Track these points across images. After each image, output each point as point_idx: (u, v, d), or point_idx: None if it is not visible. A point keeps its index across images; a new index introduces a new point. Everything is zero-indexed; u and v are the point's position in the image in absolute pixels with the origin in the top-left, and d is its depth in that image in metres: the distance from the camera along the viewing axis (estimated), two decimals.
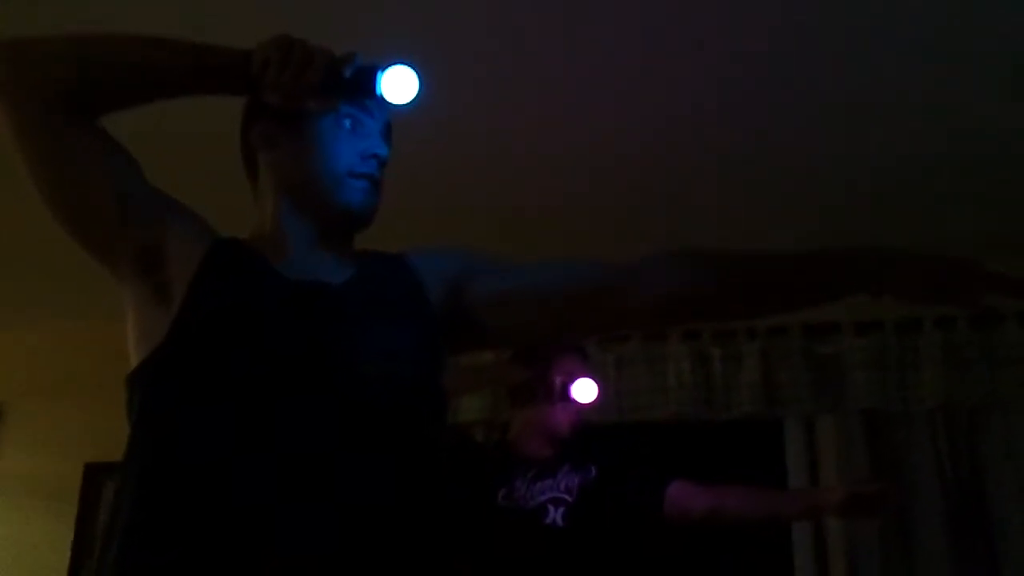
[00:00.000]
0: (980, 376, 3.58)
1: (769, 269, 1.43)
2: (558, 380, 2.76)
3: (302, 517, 1.23)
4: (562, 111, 2.98)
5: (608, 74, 2.80)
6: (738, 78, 2.81)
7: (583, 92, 2.88)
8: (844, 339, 3.75)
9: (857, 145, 3.13)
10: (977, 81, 2.78)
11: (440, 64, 2.44)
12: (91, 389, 3.16)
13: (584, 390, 2.77)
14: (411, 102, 1.45)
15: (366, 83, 1.41)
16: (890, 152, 3.15)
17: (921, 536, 3.47)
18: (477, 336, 1.56)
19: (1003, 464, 3.51)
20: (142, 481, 1.28)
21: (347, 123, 1.48)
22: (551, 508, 2.65)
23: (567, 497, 2.66)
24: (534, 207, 3.52)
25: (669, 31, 2.62)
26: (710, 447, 3.87)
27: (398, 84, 1.42)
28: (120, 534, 1.26)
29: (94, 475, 4.19)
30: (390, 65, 1.42)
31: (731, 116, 3.00)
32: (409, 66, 1.43)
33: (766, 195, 3.43)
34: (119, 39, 1.40)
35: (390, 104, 1.46)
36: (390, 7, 2.50)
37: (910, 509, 3.47)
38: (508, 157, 3.23)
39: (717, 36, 2.63)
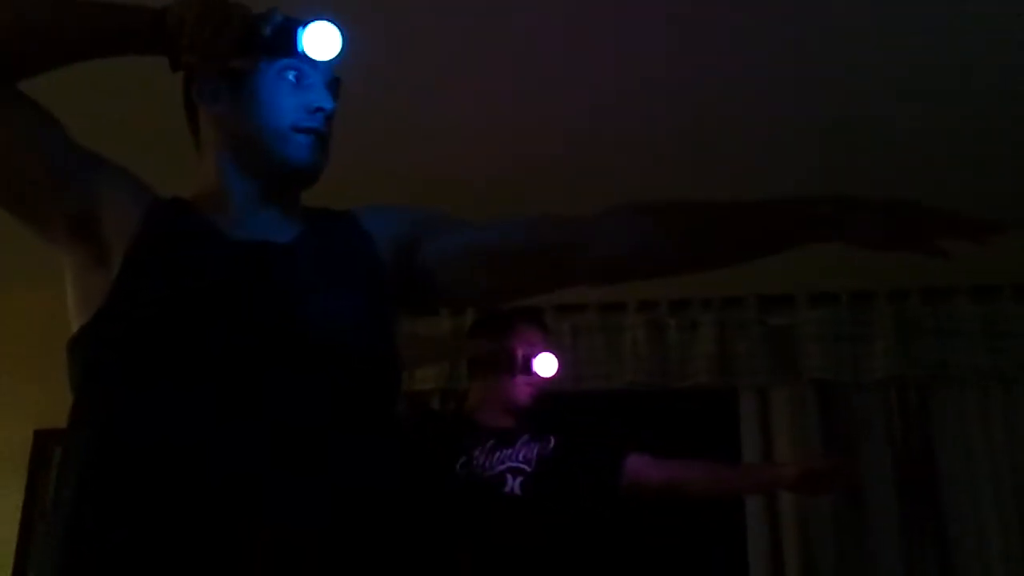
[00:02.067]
0: (931, 349, 3.63)
1: (726, 219, 1.41)
2: (520, 353, 2.76)
3: (288, 488, 1.22)
4: (509, 71, 2.95)
5: (555, 25, 2.76)
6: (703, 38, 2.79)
7: (529, 47, 2.84)
8: (798, 311, 3.79)
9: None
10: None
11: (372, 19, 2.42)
12: (39, 355, 3.09)
13: (545, 364, 2.77)
14: (335, 58, 1.42)
15: (287, 40, 1.37)
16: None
17: (872, 505, 3.53)
18: (429, 295, 1.53)
19: (953, 435, 3.58)
20: (94, 454, 1.24)
21: (291, 76, 1.42)
22: (509, 477, 2.65)
23: (525, 467, 2.67)
24: (476, 170, 3.46)
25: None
26: (665, 416, 3.89)
27: (320, 40, 1.39)
28: (70, 509, 1.23)
29: (44, 442, 4.13)
30: (311, 21, 1.39)
31: (692, 67, 2.97)
32: (331, 21, 1.39)
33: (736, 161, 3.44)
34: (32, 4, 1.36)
35: (312, 60, 1.42)
36: None
37: (862, 479, 3.51)
38: (449, 119, 3.18)
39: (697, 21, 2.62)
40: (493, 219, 1.52)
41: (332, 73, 1.49)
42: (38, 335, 3.42)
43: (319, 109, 1.43)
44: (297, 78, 1.43)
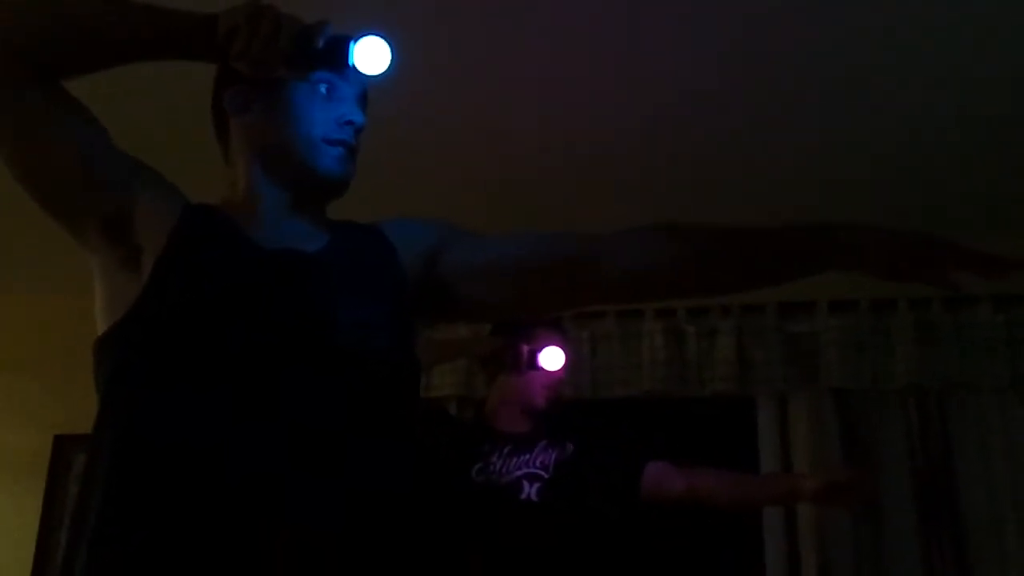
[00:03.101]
0: (952, 357, 3.61)
1: (743, 245, 1.42)
2: (524, 348, 2.76)
3: (308, 489, 1.23)
4: (542, 85, 2.96)
5: (588, 43, 2.78)
6: (726, 59, 2.80)
7: (563, 65, 2.86)
8: (818, 318, 3.78)
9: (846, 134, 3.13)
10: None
11: (415, 34, 2.42)
12: (61, 361, 3.12)
13: (551, 358, 2.76)
14: (384, 73, 1.43)
15: (338, 54, 1.38)
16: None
17: (891, 514, 3.51)
18: (449, 308, 1.55)
19: (972, 444, 3.55)
20: (120, 455, 1.25)
21: (323, 88, 1.45)
22: (526, 484, 2.64)
23: (543, 473, 2.66)
24: (513, 180, 3.49)
25: (657, 9, 2.60)
26: (683, 424, 3.88)
27: (371, 55, 1.40)
28: (96, 510, 1.23)
29: (63, 447, 4.15)
30: (363, 35, 1.40)
31: (716, 94, 2.99)
32: (382, 37, 1.40)
33: (750, 180, 3.44)
34: (78, 2, 1.36)
35: (362, 74, 1.43)
36: None
37: (880, 487, 3.50)
38: (484, 129, 3.20)
39: (706, 16, 2.62)
40: (512, 234, 1.53)
41: (363, 87, 1.51)
42: (58, 341, 3.45)
43: (349, 122, 1.46)
44: (328, 91, 1.46)
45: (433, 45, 2.69)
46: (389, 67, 1.42)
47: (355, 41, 1.39)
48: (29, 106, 1.32)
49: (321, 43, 1.35)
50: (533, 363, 2.76)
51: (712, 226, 1.43)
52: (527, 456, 2.69)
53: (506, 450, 2.70)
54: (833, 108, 3.03)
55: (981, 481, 3.50)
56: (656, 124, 3.16)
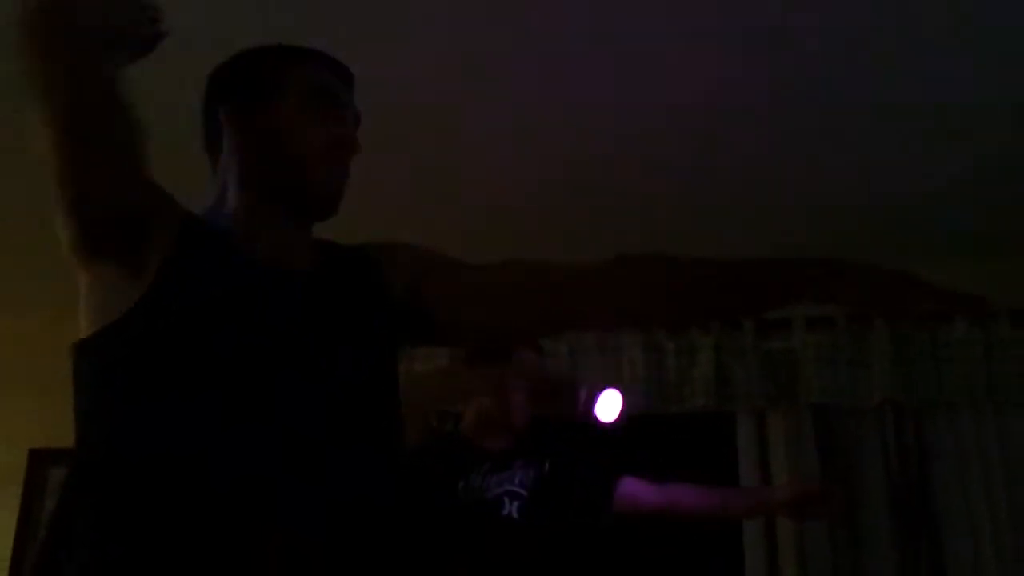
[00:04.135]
0: (928, 373, 3.65)
1: (722, 276, 1.44)
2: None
3: (296, 497, 1.24)
4: (545, 104, 2.97)
5: (594, 68, 2.79)
6: (727, 79, 2.82)
7: (565, 86, 2.87)
8: (796, 335, 3.80)
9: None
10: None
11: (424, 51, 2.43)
12: (36, 376, 3.10)
13: (609, 407, 2.76)
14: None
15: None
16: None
17: (868, 529, 3.53)
18: (429, 331, 1.56)
19: (949, 459, 3.59)
20: (109, 461, 1.24)
21: (317, 108, 1.46)
22: (507, 501, 2.64)
23: (522, 491, 2.66)
24: (512, 203, 3.50)
25: (663, 26, 2.61)
26: (662, 439, 3.89)
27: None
28: (87, 517, 1.22)
29: (39, 461, 4.12)
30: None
31: (715, 117, 3.00)
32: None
33: (744, 201, 3.46)
34: None
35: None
36: None
37: (858, 502, 3.52)
38: (490, 152, 3.21)
39: (709, 33, 2.64)
40: (502, 261, 1.55)
41: (355, 108, 1.52)
42: (34, 356, 3.43)
43: (341, 143, 1.46)
44: (324, 112, 1.46)
45: (418, 69, 2.69)
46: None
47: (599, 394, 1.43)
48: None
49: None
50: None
51: (689, 258, 1.45)
52: (507, 473, 2.69)
53: (485, 467, 2.69)
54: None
55: (958, 496, 3.53)
56: (642, 150, 3.18)
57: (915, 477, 3.57)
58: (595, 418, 2.76)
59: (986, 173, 3.25)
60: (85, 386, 1.33)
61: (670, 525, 2.90)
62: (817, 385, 3.71)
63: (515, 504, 2.64)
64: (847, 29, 2.59)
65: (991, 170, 3.22)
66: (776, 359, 3.80)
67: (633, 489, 2.75)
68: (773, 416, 3.80)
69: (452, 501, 2.62)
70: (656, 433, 3.89)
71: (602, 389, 2.78)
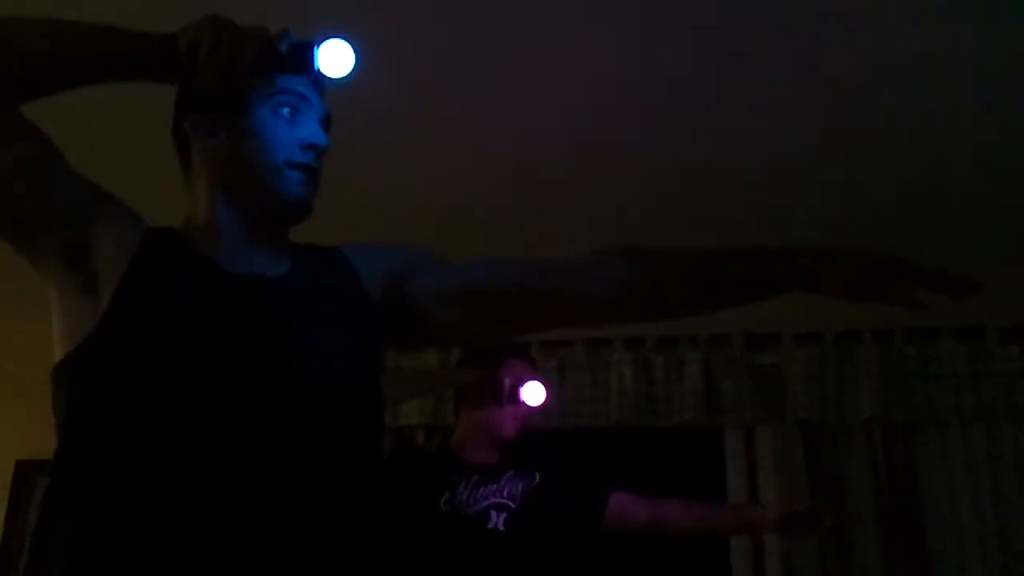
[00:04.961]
0: (917, 389, 3.65)
1: (705, 268, 1.41)
2: (507, 382, 2.76)
3: (272, 514, 1.23)
4: (516, 104, 2.96)
5: (567, 63, 2.78)
6: (708, 80, 2.82)
7: (539, 85, 2.87)
8: (784, 350, 3.80)
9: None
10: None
11: (385, 45, 2.43)
12: (23, 386, 3.08)
13: (533, 393, 2.77)
14: (347, 76, 1.42)
15: (302, 58, 1.37)
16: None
17: (857, 546, 3.52)
18: (414, 333, 1.54)
19: (937, 475, 3.58)
20: (86, 479, 1.24)
21: (285, 112, 1.44)
22: (493, 513, 2.64)
23: (510, 503, 2.66)
24: (480, 205, 3.50)
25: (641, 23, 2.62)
26: (651, 454, 3.89)
27: (335, 58, 1.40)
28: (67, 533, 1.21)
29: (26, 472, 4.10)
30: (325, 39, 1.39)
31: (697, 114, 3.00)
32: (344, 39, 1.40)
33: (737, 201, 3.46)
34: (35, 23, 1.33)
35: (326, 78, 1.42)
36: None
37: (846, 519, 3.52)
38: (455, 150, 3.20)
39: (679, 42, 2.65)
40: (478, 259, 1.53)
41: (326, 111, 1.50)
42: (20, 365, 3.41)
43: (312, 145, 1.44)
44: (291, 114, 1.44)
45: (392, 64, 2.69)
46: (352, 70, 1.42)
47: (319, 45, 1.38)
48: None
49: (285, 48, 1.34)
50: (515, 397, 2.76)
51: (672, 249, 1.43)
52: (494, 486, 2.68)
53: (473, 480, 2.69)
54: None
55: (946, 512, 3.52)
56: (623, 149, 3.18)
57: (903, 493, 3.56)
58: (522, 403, 2.76)
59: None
60: (61, 408, 1.33)
61: (658, 541, 2.89)
62: (805, 401, 3.71)
63: (502, 516, 2.63)
64: None
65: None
66: (765, 374, 3.80)
67: (622, 503, 2.75)
68: (761, 431, 3.79)
69: (435, 516, 2.61)
70: (644, 447, 3.89)
71: (525, 379, 2.78)
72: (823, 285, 1.30)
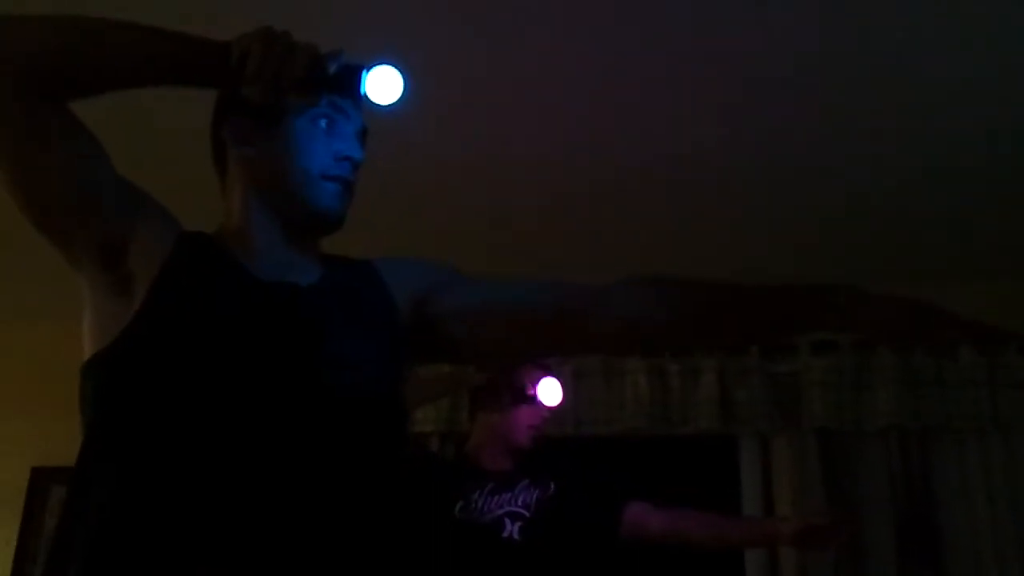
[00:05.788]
0: (933, 398, 3.63)
1: (737, 300, 1.42)
2: (523, 382, 2.75)
3: (296, 520, 1.23)
4: (552, 113, 2.96)
5: (600, 75, 2.78)
6: (741, 88, 2.82)
7: (574, 94, 2.87)
8: (800, 359, 3.78)
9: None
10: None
11: (425, 64, 2.44)
12: (38, 393, 3.10)
13: (549, 391, 2.76)
14: (394, 103, 1.43)
15: (350, 80, 1.38)
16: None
17: (873, 555, 3.50)
18: (438, 347, 1.55)
19: (954, 485, 3.57)
20: (111, 482, 1.24)
21: (323, 123, 1.45)
22: (508, 522, 2.63)
23: (525, 512, 2.65)
24: (519, 212, 3.49)
25: (674, 35, 2.63)
26: (665, 462, 3.88)
27: (382, 84, 1.40)
28: (90, 537, 1.22)
29: (41, 479, 4.11)
30: (376, 64, 1.40)
31: (733, 128, 2.99)
32: (395, 67, 1.41)
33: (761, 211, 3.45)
34: (96, 23, 1.34)
35: (373, 103, 1.43)
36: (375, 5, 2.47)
37: (862, 528, 3.49)
38: (494, 160, 3.20)
39: (725, 45, 2.65)
40: (507, 279, 1.55)
41: (362, 124, 1.51)
42: (36, 372, 3.43)
43: (347, 158, 1.46)
44: (328, 126, 1.46)
45: (429, 78, 2.70)
46: (400, 98, 1.42)
47: (368, 69, 1.39)
48: (35, 125, 1.30)
49: (333, 68, 1.34)
50: (531, 396, 2.75)
51: (704, 281, 1.44)
52: (509, 495, 2.68)
53: (488, 488, 2.69)
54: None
55: (962, 522, 3.51)
56: (653, 169, 3.17)
57: (920, 503, 3.54)
58: (538, 402, 2.75)
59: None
60: (87, 405, 1.34)
61: (672, 552, 2.88)
62: (821, 410, 3.69)
63: (517, 525, 2.63)
64: None
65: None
66: (781, 383, 3.79)
67: (639, 513, 2.74)
68: (777, 440, 3.78)
69: (450, 524, 2.61)
70: (658, 455, 3.88)
71: (539, 378, 2.77)
72: (858, 327, 1.31)
